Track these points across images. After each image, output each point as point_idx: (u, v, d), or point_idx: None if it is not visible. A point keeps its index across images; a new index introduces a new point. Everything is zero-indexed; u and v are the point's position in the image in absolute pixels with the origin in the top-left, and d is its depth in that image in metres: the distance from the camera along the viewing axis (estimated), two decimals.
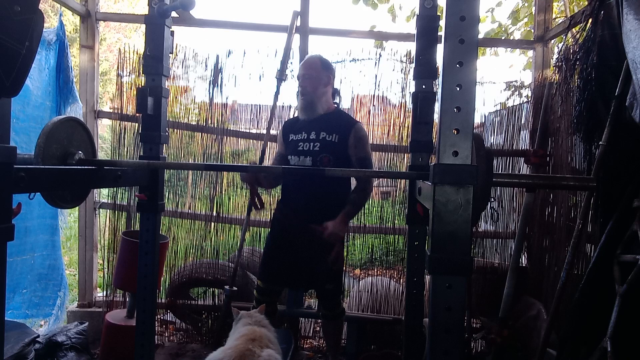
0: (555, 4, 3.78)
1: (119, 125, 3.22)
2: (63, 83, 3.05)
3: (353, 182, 2.51)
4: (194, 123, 3.31)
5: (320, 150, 2.28)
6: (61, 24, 3.05)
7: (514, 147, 3.29)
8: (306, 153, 2.31)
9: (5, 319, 1.19)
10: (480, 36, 4.29)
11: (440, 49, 1.09)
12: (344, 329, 2.95)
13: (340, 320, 2.62)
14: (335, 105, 2.47)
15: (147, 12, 1.82)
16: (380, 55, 3.17)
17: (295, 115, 2.53)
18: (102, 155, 2.81)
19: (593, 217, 2.22)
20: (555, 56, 3.04)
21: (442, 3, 1.19)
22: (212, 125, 3.24)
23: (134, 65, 3.21)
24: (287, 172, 2.12)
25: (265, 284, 2.45)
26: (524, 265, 3.18)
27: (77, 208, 3.46)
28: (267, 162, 3.07)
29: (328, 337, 2.74)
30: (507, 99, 4.32)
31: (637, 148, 1.94)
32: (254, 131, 3.30)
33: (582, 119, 2.31)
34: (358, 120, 2.51)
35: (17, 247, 2.81)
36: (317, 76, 2.34)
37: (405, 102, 3.19)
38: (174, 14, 1.91)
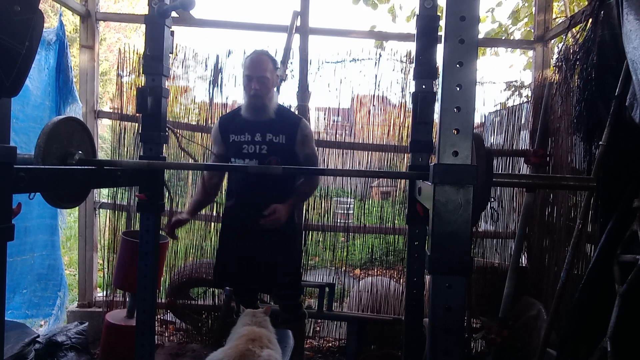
0: (555, 4, 3.78)
1: (119, 125, 3.22)
2: (63, 83, 3.05)
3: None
4: (194, 123, 3.31)
5: (268, 153, 2.23)
6: (61, 24, 3.05)
7: (514, 147, 3.30)
8: (252, 156, 2.24)
9: (5, 319, 1.19)
10: (481, 36, 4.29)
11: (440, 49, 1.09)
12: (344, 328, 2.94)
13: (303, 323, 2.58)
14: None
15: (147, 12, 1.82)
16: (380, 55, 3.17)
17: (230, 111, 2.47)
18: (102, 155, 2.81)
19: (593, 217, 2.22)
20: (555, 56, 3.04)
21: (442, 3, 1.19)
22: (212, 125, 3.23)
23: (134, 65, 3.21)
24: (287, 172, 2.12)
25: (221, 283, 2.40)
26: (524, 265, 3.18)
27: (77, 208, 3.46)
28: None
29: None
30: (507, 99, 4.33)
31: (637, 148, 1.94)
32: None
33: (582, 119, 2.31)
34: (302, 117, 2.47)
35: (17, 247, 2.81)
36: (270, 77, 2.26)
37: (405, 102, 3.19)
38: (174, 14, 1.90)
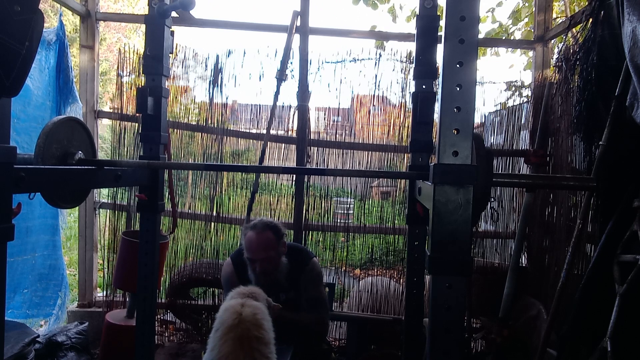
0: (555, 4, 3.78)
1: (119, 125, 3.22)
2: (63, 83, 3.05)
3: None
4: (194, 123, 3.31)
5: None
6: (61, 24, 3.05)
7: (514, 147, 3.29)
8: None
9: (6, 319, 1.19)
10: (481, 36, 4.29)
11: (440, 49, 1.09)
12: (344, 328, 2.92)
13: None
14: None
15: (147, 12, 1.82)
16: (380, 55, 3.17)
17: (240, 259, 2.27)
18: (102, 155, 2.81)
19: (593, 217, 2.23)
20: (555, 56, 3.04)
21: (442, 3, 1.19)
22: (212, 125, 3.23)
23: (134, 65, 3.21)
24: (287, 171, 2.12)
25: None
26: (524, 265, 3.17)
27: (77, 208, 3.46)
28: None
29: None
30: (507, 99, 4.32)
31: (637, 148, 1.94)
32: (254, 131, 3.30)
33: (582, 119, 2.31)
34: (311, 258, 2.31)
35: (18, 247, 2.81)
36: (276, 251, 2.14)
37: (405, 102, 3.19)
38: (174, 14, 1.90)
